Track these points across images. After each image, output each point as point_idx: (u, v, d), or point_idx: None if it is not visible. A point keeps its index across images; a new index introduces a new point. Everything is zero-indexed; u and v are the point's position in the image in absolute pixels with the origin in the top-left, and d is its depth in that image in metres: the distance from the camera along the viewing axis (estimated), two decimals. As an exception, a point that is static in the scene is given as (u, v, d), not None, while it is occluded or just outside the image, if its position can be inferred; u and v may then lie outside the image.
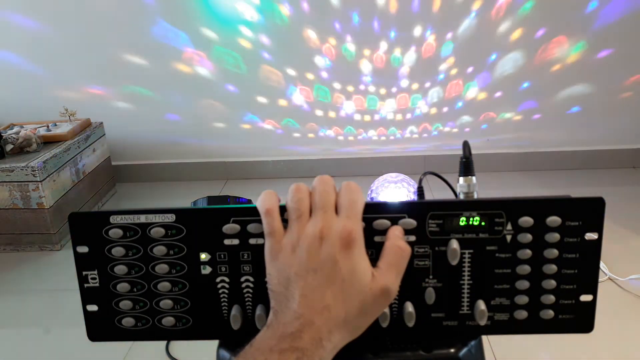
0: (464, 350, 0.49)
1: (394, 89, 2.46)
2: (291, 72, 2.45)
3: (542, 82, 2.42)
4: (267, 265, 0.44)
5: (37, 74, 2.50)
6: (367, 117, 2.53)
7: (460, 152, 0.59)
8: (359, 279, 0.42)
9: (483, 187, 0.64)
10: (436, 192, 2.06)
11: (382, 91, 2.47)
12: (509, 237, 0.46)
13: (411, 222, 0.46)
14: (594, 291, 0.47)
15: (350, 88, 2.47)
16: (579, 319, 0.48)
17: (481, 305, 0.47)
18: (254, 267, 0.47)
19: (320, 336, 0.40)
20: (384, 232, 0.46)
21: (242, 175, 2.65)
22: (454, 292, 0.47)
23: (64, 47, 2.44)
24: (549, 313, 0.47)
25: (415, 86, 2.45)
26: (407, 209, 0.46)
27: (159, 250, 0.47)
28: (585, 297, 0.47)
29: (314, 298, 0.41)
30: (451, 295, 0.47)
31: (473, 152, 0.60)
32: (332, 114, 2.52)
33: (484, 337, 0.52)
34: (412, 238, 0.46)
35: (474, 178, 0.59)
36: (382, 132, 2.55)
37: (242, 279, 0.48)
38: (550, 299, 0.47)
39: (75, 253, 0.48)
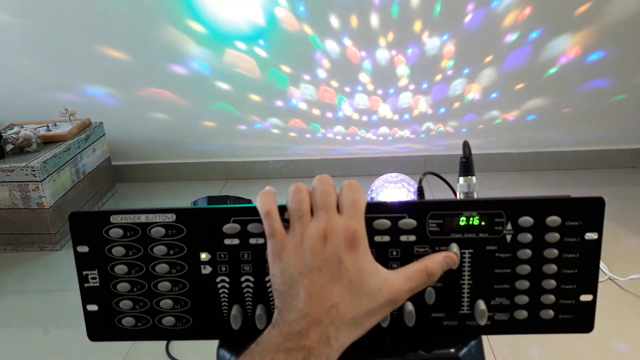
0: (464, 350, 0.49)
1: (394, 89, 2.46)
2: (291, 72, 2.45)
3: (542, 82, 2.42)
4: (270, 265, 0.44)
5: (37, 74, 2.50)
6: (367, 117, 2.53)
7: (460, 152, 0.59)
8: (367, 279, 0.42)
9: (483, 187, 0.64)
10: (436, 192, 2.06)
11: (382, 91, 2.47)
12: (509, 237, 0.46)
13: (411, 222, 0.46)
14: (594, 291, 0.47)
15: (350, 88, 2.47)
16: (579, 319, 0.48)
17: (481, 305, 0.47)
18: (254, 266, 0.47)
19: (327, 334, 0.40)
20: (384, 232, 0.46)
21: (242, 175, 2.65)
22: (454, 292, 0.47)
23: (65, 47, 2.44)
24: (549, 313, 0.47)
25: (415, 86, 2.45)
26: (407, 209, 0.46)
27: (159, 250, 0.47)
28: (585, 297, 0.47)
29: (320, 296, 0.41)
30: (451, 295, 0.47)
31: (473, 152, 0.60)
32: (332, 114, 2.52)
33: (484, 337, 0.52)
34: (412, 238, 0.46)
35: (474, 178, 0.59)
36: (382, 132, 2.55)
37: (243, 279, 0.48)
38: (550, 298, 0.47)
39: (76, 253, 0.48)
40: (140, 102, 2.54)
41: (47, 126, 2.29)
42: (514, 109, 2.48)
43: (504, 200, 0.45)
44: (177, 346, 1.49)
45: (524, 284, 0.47)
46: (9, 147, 2.06)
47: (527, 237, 0.46)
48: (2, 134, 2.08)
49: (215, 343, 0.51)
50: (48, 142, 2.18)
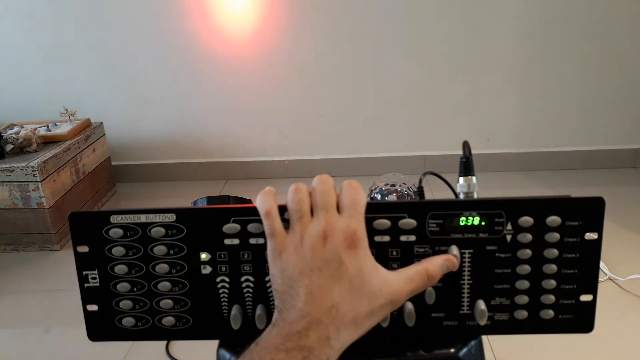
0: (464, 350, 0.49)
1: (393, 88, 2.46)
2: (291, 71, 2.45)
3: (542, 81, 2.42)
4: (270, 265, 0.44)
5: (37, 74, 2.50)
6: (366, 117, 2.52)
7: (460, 152, 0.59)
8: (368, 279, 0.42)
9: (483, 187, 0.64)
10: (436, 192, 2.06)
11: (382, 90, 2.46)
12: (509, 237, 0.46)
13: (411, 222, 0.46)
14: (594, 291, 0.47)
15: (349, 87, 2.47)
16: (579, 319, 0.48)
17: (481, 305, 0.47)
18: (254, 266, 0.47)
19: (327, 335, 0.40)
20: (384, 232, 0.46)
21: (242, 175, 2.65)
22: (454, 292, 0.47)
23: (64, 47, 2.44)
24: (549, 313, 0.47)
25: (415, 86, 2.45)
26: (407, 209, 0.46)
27: (159, 250, 0.47)
28: (585, 297, 0.47)
29: (320, 297, 0.41)
30: (451, 295, 0.47)
31: (473, 152, 0.60)
32: (332, 114, 2.52)
33: (484, 337, 0.52)
34: (412, 238, 0.46)
35: (474, 178, 0.59)
36: (381, 133, 2.55)
37: (243, 279, 0.48)
38: (550, 298, 0.47)
39: (76, 253, 0.48)
40: (140, 102, 2.54)
41: (47, 126, 2.29)
42: (514, 109, 2.48)
43: (504, 200, 0.45)
44: (177, 346, 1.49)
45: (524, 284, 0.47)
46: (9, 147, 2.06)
47: (527, 237, 0.46)
48: (2, 134, 2.08)
49: (215, 343, 0.51)
50: (48, 142, 2.18)
